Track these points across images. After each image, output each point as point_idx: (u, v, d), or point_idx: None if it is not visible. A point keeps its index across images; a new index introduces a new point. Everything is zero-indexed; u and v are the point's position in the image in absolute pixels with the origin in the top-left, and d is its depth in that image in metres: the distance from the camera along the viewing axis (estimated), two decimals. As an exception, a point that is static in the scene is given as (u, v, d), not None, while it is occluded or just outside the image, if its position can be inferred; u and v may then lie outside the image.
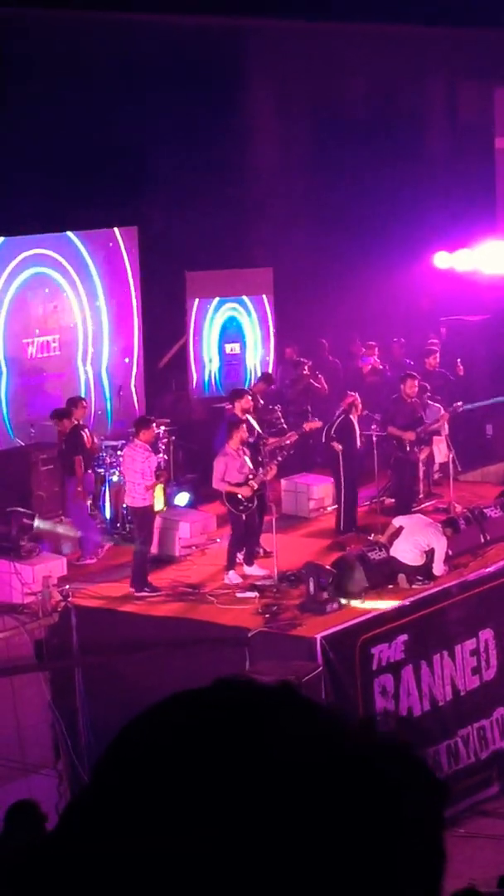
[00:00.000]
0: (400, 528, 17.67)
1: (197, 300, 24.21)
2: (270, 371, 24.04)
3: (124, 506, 18.71)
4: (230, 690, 1.51)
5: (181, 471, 21.01)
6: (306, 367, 22.85)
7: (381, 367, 24.14)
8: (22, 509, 17.97)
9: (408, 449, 20.19)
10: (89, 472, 19.12)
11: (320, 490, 20.46)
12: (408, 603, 16.89)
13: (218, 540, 18.86)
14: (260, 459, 18.31)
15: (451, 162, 28.41)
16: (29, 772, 15.89)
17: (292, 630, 16.07)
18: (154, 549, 18.26)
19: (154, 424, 18.76)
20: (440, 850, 1.49)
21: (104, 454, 19.54)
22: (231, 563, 17.79)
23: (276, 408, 21.33)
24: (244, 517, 17.87)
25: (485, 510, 19.18)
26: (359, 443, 19.74)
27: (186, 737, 1.45)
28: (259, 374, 23.99)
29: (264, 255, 25.03)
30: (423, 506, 20.27)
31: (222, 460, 17.85)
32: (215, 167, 24.04)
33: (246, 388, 20.31)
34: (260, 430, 19.04)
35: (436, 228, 26.61)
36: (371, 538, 18.45)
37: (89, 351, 22.58)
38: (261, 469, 18.06)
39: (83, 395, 21.26)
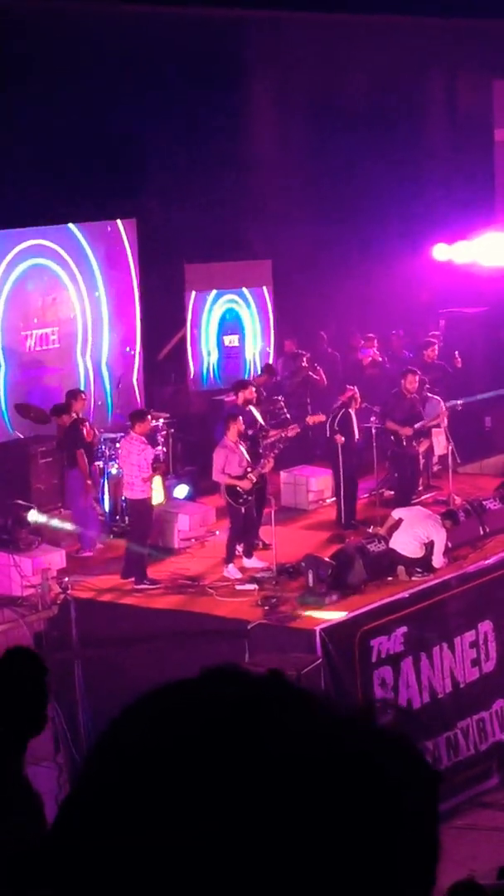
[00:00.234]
0: (399, 521, 17.67)
1: (194, 293, 24.20)
2: (272, 363, 24.03)
3: (123, 498, 18.71)
4: (222, 682, 1.50)
5: (180, 463, 21.01)
6: (305, 360, 22.85)
7: (380, 359, 24.14)
8: (21, 502, 17.98)
9: (405, 444, 20.20)
10: (94, 465, 19.11)
11: (319, 482, 20.46)
12: (407, 595, 16.89)
13: (217, 532, 18.88)
14: (259, 451, 18.32)
15: (451, 154, 28.39)
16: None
17: (291, 622, 16.08)
18: (153, 542, 18.27)
19: (149, 417, 18.77)
20: (436, 845, 1.48)
21: (103, 447, 19.54)
22: (230, 556, 17.80)
23: (279, 398, 21.33)
24: (243, 510, 17.87)
25: (484, 502, 19.19)
26: (357, 435, 19.74)
27: (180, 732, 1.44)
28: (258, 366, 24.00)
29: (263, 247, 25.01)
30: (422, 498, 20.27)
31: (222, 452, 17.86)
32: (215, 159, 24.02)
33: (247, 379, 20.30)
34: (262, 422, 19.05)
35: (435, 220, 26.59)
36: (370, 530, 18.46)
37: (88, 343, 22.56)
38: (259, 461, 18.07)
39: (82, 388, 21.26)
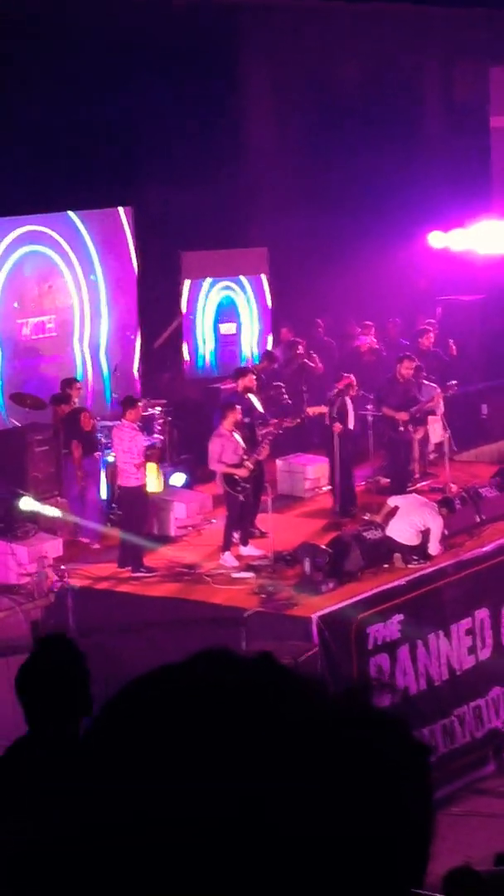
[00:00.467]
0: (395, 508, 17.68)
1: (189, 281, 24.16)
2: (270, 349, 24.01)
3: (118, 486, 18.71)
4: (215, 666, 1.50)
5: (177, 451, 21.01)
6: (300, 347, 22.84)
7: (377, 346, 24.13)
8: (18, 490, 17.97)
9: (401, 429, 20.20)
10: (95, 454, 19.08)
11: (316, 470, 20.46)
12: (404, 583, 16.90)
13: (214, 521, 18.87)
14: (257, 439, 18.31)
15: (447, 141, 28.36)
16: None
17: (288, 610, 16.09)
18: (149, 530, 18.28)
19: (140, 404, 18.78)
20: (429, 828, 1.49)
21: (100, 435, 19.53)
22: (227, 544, 17.80)
23: (280, 384, 21.33)
24: (241, 497, 17.87)
25: (480, 490, 19.20)
26: (352, 423, 19.73)
27: (173, 721, 1.44)
28: (254, 354, 23.98)
29: (260, 235, 24.98)
30: (418, 486, 20.28)
31: (217, 441, 17.85)
32: (211, 147, 23.99)
33: (247, 366, 20.27)
34: (262, 410, 19.04)
35: (431, 208, 26.56)
36: (367, 518, 18.46)
37: (86, 331, 22.54)
38: (256, 449, 18.07)
39: (79, 376, 21.25)
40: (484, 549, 18.01)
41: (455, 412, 21.71)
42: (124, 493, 18.18)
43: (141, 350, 23.39)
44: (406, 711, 15.74)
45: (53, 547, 17.55)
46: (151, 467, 18.57)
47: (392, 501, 17.93)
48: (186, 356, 24.16)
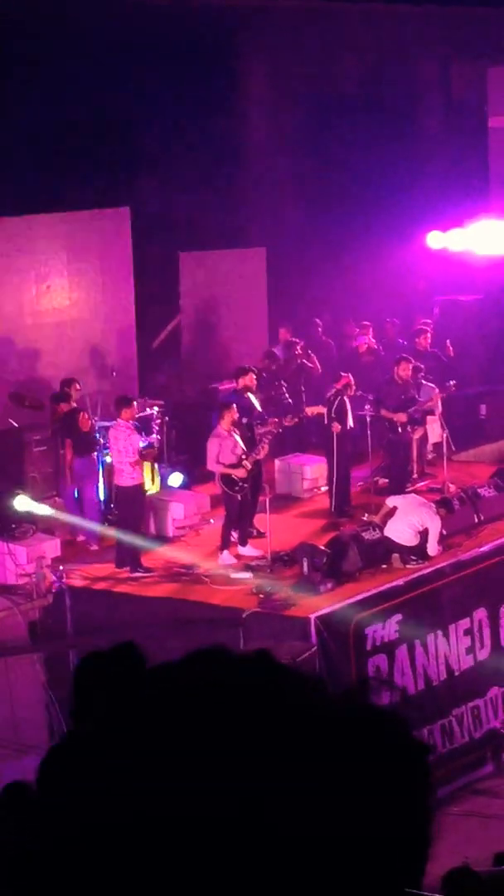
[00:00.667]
0: (394, 509, 17.68)
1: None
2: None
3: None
4: (213, 667, 1.49)
5: (174, 451, 21.00)
6: (298, 347, 22.84)
7: (375, 347, 24.12)
8: (15, 490, 17.96)
9: (399, 430, 20.20)
10: (92, 455, 19.05)
11: (314, 470, 20.45)
12: (402, 583, 16.90)
13: (212, 521, 18.86)
14: (255, 438, 18.30)
15: (445, 141, 28.37)
16: (23, 753, 15.90)
17: (286, 610, 16.08)
18: (147, 530, 18.27)
19: (135, 403, 18.77)
20: (427, 830, 1.48)
21: (98, 435, 19.51)
22: (225, 544, 17.79)
23: (281, 383, 21.33)
24: (239, 497, 17.87)
25: (478, 490, 19.19)
26: (351, 423, 19.74)
27: (171, 722, 1.44)
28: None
29: (257, 235, 24.98)
30: (416, 486, 20.28)
31: (215, 441, 17.85)
32: (208, 147, 23.98)
33: (248, 365, 20.24)
34: (260, 409, 19.04)
35: (429, 208, 26.55)
36: (365, 518, 18.45)
37: (83, 331, 22.52)
38: (254, 448, 18.07)
39: (78, 376, 21.23)
40: (482, 549, 18.01)
41: (453, 413, 21.71)
42: (120, 493, 18.17)
43: (137, 350, 23.37)
44: (405, 711, 15.74)
45: (52, 547, 17.55)
46: (146, 467, 18.54)
47: (391, 502, 17.92)
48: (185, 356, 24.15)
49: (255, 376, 19.31)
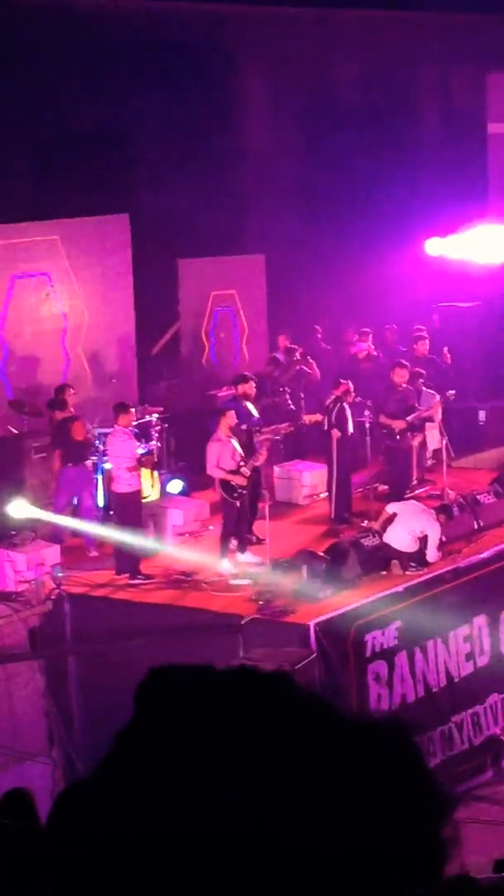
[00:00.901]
0: (393, 515, 17.67)
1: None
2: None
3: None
4: (223, 682, 1.50)
5: (174, 458, 20.99)
6: (297, 354, 22.87)
7: (374, 353, 24.14)
8: (16, 496, 17.96)
9: (398, 437, 20.21)
10: (87, 463, 19.01)
11: (313, 477, 20.45)
12: (401, 589, 16.89)
13: (211, 527, 18.86)
14: (253, 445, 18.31)
15: (444, 147, 28.40)
16: (23, 759, 15.89)
17: (285, 617, 16.07)
18: (146, 536, 18.26)
19: (132, 409, 18.76)
20: (437, 846, 1.49)
21: (98, 442, 19.50)
22: (224, 551, 17.79)
23: (284, 390, 21.34)
24: (238, 504, 17.87)
25: (478, 496, 19.19)
26: (352, 429, 19.75)
27: (180, 734, 1.44)
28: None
29: (256, 242, 25.00)
30: (416, 492, 20.27)
31: (215, 447, 17.85)
32: (207, 154, 24.01)
33: (248, 373, 20.28)
34: (258, 417, 19.05)
35: (428, 214, 26.59)
36: (364, 525, 18.45)
37: (82, 338, 22.53)
38: (253, 455, 18.07)
39: (77, 382, 21.23)
40: (482, 555, 18.00)
41: (453, 419, 21.72)
42: (117, 499, 18.16)
43: (137, 357, 23.38)
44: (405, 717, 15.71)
45: (51, 554, 17.54)
46: (145, 473, 18.53)
47: (390, 508, 17.91)
48: (185, 363, 24.15)
49: (254, 384, 19.33)
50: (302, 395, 21.91)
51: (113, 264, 22.88)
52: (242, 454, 17.89)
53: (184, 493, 20.05)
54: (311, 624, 15.66)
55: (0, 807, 11.10)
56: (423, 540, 17.46)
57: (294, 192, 25.46)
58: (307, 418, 20.10)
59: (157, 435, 20.48)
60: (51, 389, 20.59)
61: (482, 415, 23.52)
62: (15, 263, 21.42)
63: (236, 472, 17.73)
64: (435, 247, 26.99)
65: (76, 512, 18.88)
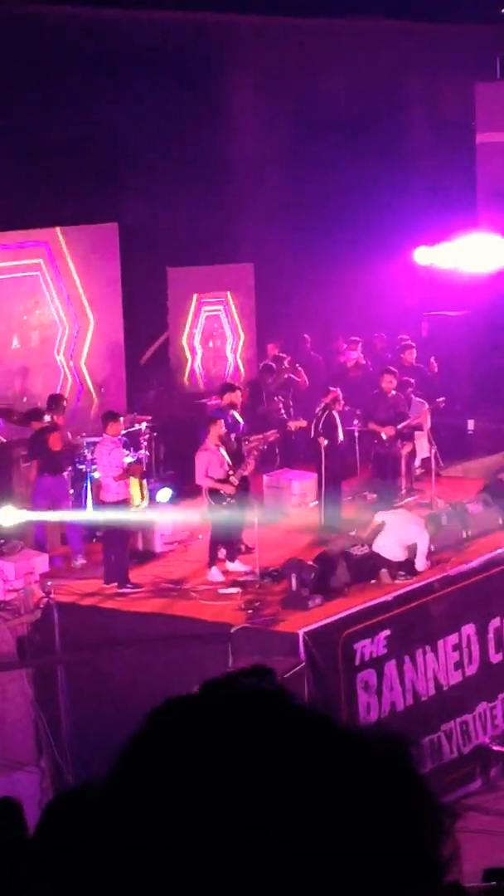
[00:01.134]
0: (382, 524, 17.67)
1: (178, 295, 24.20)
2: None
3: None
4: (223, 698, 1.50)
5: (163, 467, 20.99)
6: (286, 362, 22.90)
7: (363, 362, 24.17)
8: (3, 504, 17.93)
9: (387, 444, 20.23)
10: (63, 474, 18.90)
11: (302, 486, 20.45)
12: (390, 598, 16.89)
13: (200, 536, 18.86)
14: (242, 454, 18.33)
15: (432, 157, 28.44)
16: (11, 768, 15.86)
17: (275, 626, 16.07)
18: (135, 546, 18.25)
19: (121, 418, 18.73)
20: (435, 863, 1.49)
21: (86, 451, 19.46)
22: (213, 560, 17.78)
23: (278, 398, 21.37)
24: (227, 513, 17.86)
25: (466, 505, 19.20)
26: (341, 437, 19.76)
27: (184, 749, 1.44)
28: (241, 370, 23.99)
29: (246, 251, 25.02)
30: (405, 501, 20.27)
31: (204, 456, 17.86)
32: (196, 163, 24.02)
33: (235, 383, 20.28)
34: (244, 426, 19.06)
35: (417, 223, 26.62)
36: (353, 534, 18.45)
37: (71, 347, 22.52)
38: (241, 464, 18.08)
39: (66, 392, 21.22)
40: (470, 564, 18.00)
41: (441, 428, 21.74)
42: (105, 508, 18.12)
43: (126, 366, 23.37)
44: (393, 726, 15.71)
45: (40, 563, 17.52)
46: (133, 482, 18.49)
47: (379, 517, 17.91)
48: (174, 371, 24.16)
49: (240, 393, 19.36)
50: (291, 404, 21.93)
51: (102, 273, 22.88)
52: (231, 463, 17.90)
53: (172, 501, 20.04)
54: (301, 633, 15.67)
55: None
56: (412, 549, 17.47)
57: (283, 202, 25.47)
58: (292, 424, 20.14)
59: (145, 443, 20.47)
60: (38, 398, 20.56)
61: (471, 424, 23.54)
62: (3, 271, 21.41)
63: (225, 480, 17.74)
64: (424, 256, 27.02)
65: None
